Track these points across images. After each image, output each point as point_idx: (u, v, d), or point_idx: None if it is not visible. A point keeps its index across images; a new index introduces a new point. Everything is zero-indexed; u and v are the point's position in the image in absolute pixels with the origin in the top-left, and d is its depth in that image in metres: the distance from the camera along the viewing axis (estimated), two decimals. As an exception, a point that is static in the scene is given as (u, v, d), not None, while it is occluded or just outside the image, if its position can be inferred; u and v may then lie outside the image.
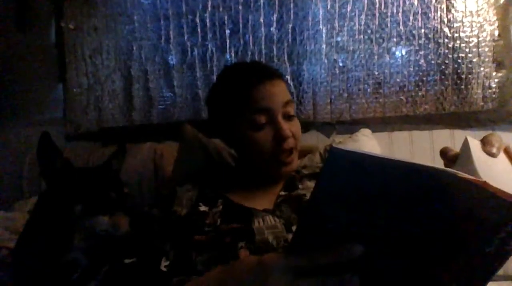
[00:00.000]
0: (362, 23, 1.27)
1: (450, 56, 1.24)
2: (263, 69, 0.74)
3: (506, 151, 0.42)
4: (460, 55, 1.24)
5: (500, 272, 0.39)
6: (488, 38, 1.22)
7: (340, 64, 1.29)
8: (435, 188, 0.33)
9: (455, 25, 1.24)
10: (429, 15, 1.25)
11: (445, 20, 1.24)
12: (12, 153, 1.31)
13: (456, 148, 0.44)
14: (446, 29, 1.24)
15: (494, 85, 1.23)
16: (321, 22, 1.28)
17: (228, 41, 1.32)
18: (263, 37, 1.31)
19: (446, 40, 1.24)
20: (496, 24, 1.22)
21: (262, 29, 1.31)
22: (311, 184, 0.72)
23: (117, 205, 0.61)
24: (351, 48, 1.28)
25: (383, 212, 0.36)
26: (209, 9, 1.33)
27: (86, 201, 0.60)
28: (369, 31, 1.27)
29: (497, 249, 0.36)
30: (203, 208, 0.68)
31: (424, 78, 1.26)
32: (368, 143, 1.17)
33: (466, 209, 0.34)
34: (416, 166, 0.32)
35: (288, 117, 0.69)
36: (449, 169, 0.33)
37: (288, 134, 0.66)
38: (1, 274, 0.76)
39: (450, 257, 0.37)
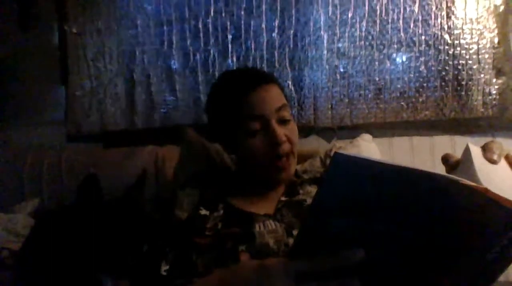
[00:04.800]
0: (363, 29, 1.28)
1: (450, 62, 1.25)
2: (255, 75, 0.74)
3: (507, 158, 0.42)
4: (460, 61, 1.25)
5: (501, 278, 0.39)
6: (488, 45, 1.24)
7: (341, 70, 1.30)
8: (436, 194, 0.34)
9: (455, 32, 1.25)
10: (430, 22, 1.26)
11: (446, 27, 1.25)
12: (13, 153, 1.31)
13: (456, 153, 0.45)
14: (446, 36, 1.25)
15: (494, 92, 1.24)
16: (322, 28, 1.29)
17: (230, 46, 1.33)
18: (264, 43, 1.32)
19: (446, 47, 1.25)
20: (496, 31, 1.23)
21: (264, 34, 1.32)
22: (311, 189, 0.72)
23: (127, 269, 0.60)
24: (352, 54, 1.29)
25: (385, 217, 0.36)
26: (212, 14, 1.34)
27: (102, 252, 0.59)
28: (370, 38, 1.28)
29: (498, 255, 0.36)
30: (203, 211, 0.68)
31: (425, 85, 1.27)
32: (368, 148, 1.17)
33: (467, 215, 0.34)
34: (418, 172, 0.33)
35: (283, 122, 0.68)
36: (450, 175, 0.33)
37: (282, 140, 0.66)
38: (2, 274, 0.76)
39: (451, 263, 0.38)
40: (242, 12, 1.32)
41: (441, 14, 1.26)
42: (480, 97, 1.24)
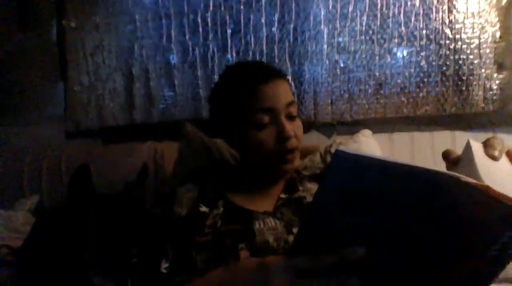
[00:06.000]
0: (364, 24, 1.27)
1: (451, 57, 1.24)
2: (267, 69, 0.74)
3: (508, 154, 0.42)
4: (461, 56, 1.24)
5: (501, 275, 0.39)
6: (490, 39, 1.23)
7: (341, 64, 1.29)
8: (437, 191, 0.33)
9: (457, 26, 1.24)
10: (431, 16, 1.25)
11: (447, 21, 1.24)
12: (12, 151, 1.31)
13: (457, 149, 0.45)
14: (447, 31, 1.24)
15: (495, 87, 1.23)
16: (322, 22, 1.28)
17: (229, 41, 1.32)
18: (264, 37, 1.30)
19: (447, 41, 1.24)
20: (498, 25, 1.22)
21: (264, 29, 1.30)
22: (311, 186, 0.72)
23: (120, 269, 0.60)
24: (352, 48, 1.28)
25: (386, 215, 0.36)
26: (211, 8, 1.32)
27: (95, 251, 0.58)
28: (370, 32, 1.27)
29: (499, 253, 0.36)
30: (203, 208, 0.68)
31: (425, 80, 1.26)
32: (368, 143, 1.17)
33: (468, 212, 0.34)
34: (419, 169, 0.33)
35: (290, 117, 0.69)
36: (452, 173, 0.33)
37: (290, 134, 0.66)
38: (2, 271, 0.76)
39: (451, 259, 0.38)
40: (242, 7, 1.31)
41: (442, 8, 1.24)
42: (481, 93, 1.23)
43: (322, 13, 1.28)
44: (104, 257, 0.57)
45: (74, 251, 0.56)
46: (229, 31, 1.32)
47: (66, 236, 0.58)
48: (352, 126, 1.26)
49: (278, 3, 1.30)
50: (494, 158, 0.41)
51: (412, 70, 1.26)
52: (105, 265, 0.57)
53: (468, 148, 0.42)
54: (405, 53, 1.27)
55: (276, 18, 1.30)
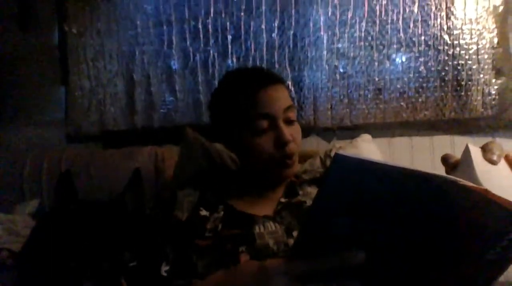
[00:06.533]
0: (363, 30, 1.28)
1: (450, 63, 1.25)
2: (265, 74, 0.75)
3: (507, 159, 0.42)
4: (460, 62, 1.25)
5: (501, 278, 0.39)
6: (488, 45, 1.24)
7: (341, 70, 1.30)
8: (436, 194, 0.34)
9: (455, 32, 1.25)
10: (429, 22, 1.26)
11: (445, 27, 1.26)
12: (13, 154, 1.31)
13: (456, 153, 0.45)
14: (446, 37, 1.26)
15: (493, 92, 1.24)
16: (322, 29, 1.30)
17: (230, 47, 1.33)
18: (264, 43, 1.32)
19: (446, 47, 1.26)
20: (495, 32, 1.23)
21: (264, 35, 1.32)
22: (311, 190, 0.72)
23: (107, 275, 0.59)
24: (352, 54, 1.29)
25: (385, 218, 0.36)
26: (212, 15, 1.34)
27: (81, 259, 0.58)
28: (369, 38, 1.28)
29: (498, 256, 0.36)
30: (203, 212, 0.68)
31: (424, 85, 1.27)
32: (368, 148, 1.17)
33: (467, 216, 0.34)
34: (418, 172, 0.33)
35: (289, 122, 0.69)
36: (450, 176, 0.33)
37: (289, 139, 0.66)
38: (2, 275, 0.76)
39: (451, 263, 0.38)
40: (242, 13, 1.32)
41: (440, 15, 1.26)
42: (479, 98, 1.24)
43: (322, 19, 1.30)
44: (94, 264, 0.57)
45: (64, 258, 0.56)
46: (229, 37, 1.33)
47: (59, 241, 0.58)
48: (352, 131, 1.27)
49: (278, 9, 1.31)
50: (493, 162, 0.41)
51: (411, 75, 1.27)
52: (95, 271, 0.57)
53: (467, 152, 0.42)
54: (404, 59, 1.28)
55: (276, 25, 1.31)
